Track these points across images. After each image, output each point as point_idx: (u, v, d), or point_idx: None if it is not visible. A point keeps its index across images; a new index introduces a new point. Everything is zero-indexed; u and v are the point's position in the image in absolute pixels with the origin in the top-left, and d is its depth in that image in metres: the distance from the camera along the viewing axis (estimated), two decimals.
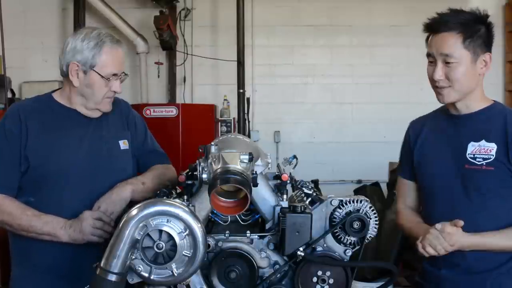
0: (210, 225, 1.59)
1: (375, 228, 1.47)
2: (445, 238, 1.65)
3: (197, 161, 1.41)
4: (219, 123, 5.00)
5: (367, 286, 3.65)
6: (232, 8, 5.26)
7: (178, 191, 1.67)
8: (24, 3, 5.49)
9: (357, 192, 4.62)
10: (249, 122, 5.40)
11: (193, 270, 1.33)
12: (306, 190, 1.59)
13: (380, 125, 5.62)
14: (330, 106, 5.73)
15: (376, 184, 4.76)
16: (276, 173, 1.68)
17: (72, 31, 1.99)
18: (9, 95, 4.60)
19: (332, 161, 5.61)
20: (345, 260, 1.48)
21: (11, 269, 1.92)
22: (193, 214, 1.32)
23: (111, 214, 1.76)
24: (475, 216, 1.72)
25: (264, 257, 1.49)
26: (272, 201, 1.53)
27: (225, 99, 5.22)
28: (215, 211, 1.53)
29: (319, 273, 1.45)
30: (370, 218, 1.45)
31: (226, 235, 1.49)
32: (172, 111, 4.60)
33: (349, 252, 1.48)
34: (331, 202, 1.48)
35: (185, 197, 1.50)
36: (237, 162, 1.37)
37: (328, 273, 1.45)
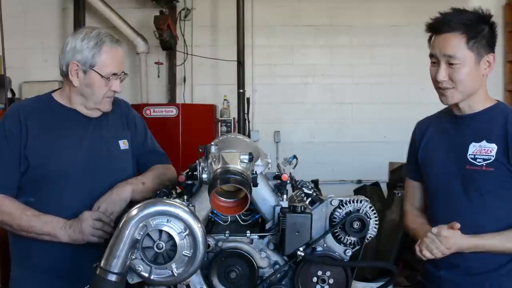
0: (210, 225, 1.59)
1: (375, 228, 1.47)
2: (442, 241, 1.64)
3: (197, 161, 1.41)
4: (219, 123, 5.00)
5: (367, 286, 3.65)
6: (232, 8, 5.26)
7: (178, 191, 1.67)
8: (24, 3, 5.49)
9: (357, 192, 4.62)
10: (249, 122, 5.40)
11: (193, 270, 1.33)
12: (306, 190, 1.59)
13: (380, 125, 5.63)
14: (330, 106, 5.73)
15: (376, 184, 4.76)
16: (276, 173, 1.68)
17: (72, 31, 1.99)
18: (9, 95, 4.60)
19: (332, 161, 5.61)
20: (345, 260, 1.48)
21: (11, 269, 1.92)
22: (193, 214, 1.32)
23: (111, 214, 1.76)
24: (476, 217, 1.72)
25: (264, 257, 1.49)
26: (272, 201, 1.53)
27: (225, 99, 5.22)
28: (215, 211, 1.53)
29: (319, 273, 1.45)
30: (370, 218, 1.45)
31: (226, 235, 1.49)
32: (172, 111, 4.60)
33: (349, 252, 1.48)
34: (331, 202, 1.48)
35: (185, 197, 1.50)
36: (237, 162, 1.37)
37: (328, 273, 1.45)
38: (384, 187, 4.67)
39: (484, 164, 1.70)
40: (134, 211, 1.29)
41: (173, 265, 1.30)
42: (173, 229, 1.29)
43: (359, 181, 5.43)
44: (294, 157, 1.94)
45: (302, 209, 1.43)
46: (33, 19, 5.52)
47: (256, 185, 1.38)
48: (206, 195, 1.35)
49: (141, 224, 1.28)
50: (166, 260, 1.30)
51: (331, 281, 1.45)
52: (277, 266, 1.49)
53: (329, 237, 1.48)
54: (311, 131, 5.74)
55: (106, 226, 1.74)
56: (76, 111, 1.89)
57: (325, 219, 1.48)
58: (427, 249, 1.67)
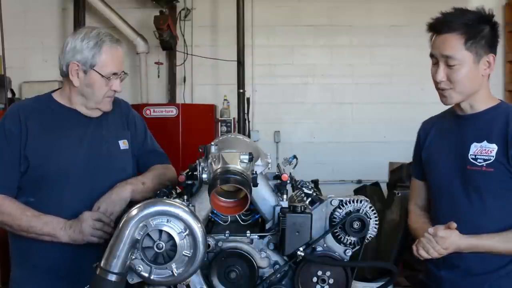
0: (210, 225, 1.59)
1: (375, 228, 1.47)
2: (438, 242, 1.64)
3: (197, 161, 1.41)
4: (219, 123, 5.00)
5: (367, 286, 3.65)
6: (232, 8, 5.26)
7: (178, 191, 1.67)
8: (24, 3, 5.49)
9: (357, 192, 4.62)
10: (249, 122, 5.40)
11: (193, 270, 1.33)
12: (306, 190, 1.59)
13: (380, 125, 5.63)
14: (330, 106, 5.73)
15: (376, 184, 4.75)
16: (276, 173, 1.68)
17: (72, 31, 1.99)
18: (9, 95, 4.60)
19: (332, 161, 5.61)
20: (345, 260, 1.48)
21: (11, 269, 1.91)
22: (193, 214, 1.32)
23: (111, 214, 1.76)
24: (476, 217, 1.72)
25: (264, 257, 1.49)
26: (272, 201, 1.53)
27: (225, 99, 5.22)
28: (215, 211, 1.53)
29: (319, 273, 1.45)
30: (370, 218, 1.45)
31: (226, 235, 1.49)
32: (172, 111, 4.59)
33: (349, 252, 1.48)
34: (331, 202, 1.48)
35: (185, 197, 1.50)
36: (237, 162, 1.37)
37: (328, 273, 1.45)
38: (384, 187, 4.67)
39: (485, 165, 1.69)
40: (134, 211, 1.29)
41: (173, 265, 1.30)
42: (173, 229, 1.29)
43: (359, 181, 5.43)
44: (294, 157, 1.94)
45: (302, 209, 1.43)
46: (33, 19, 5.52)
47: (256, 185, 1.38)
48: (206, 195, 1.35)
49: (141, 224, 1.28)
50: (166, 260, 1.30)
51: (331, 281, 1.45)
52: (277, 266, 1.49)
53: (329, 237, 1.48)
54: (311, 131, 5.74)
55: (106, 226, 1.74)
56: (76, 111, 1.89)
57: (325, 219, 1.48)
58: (423, 248, 1.67)
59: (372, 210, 1.47)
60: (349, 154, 5.59)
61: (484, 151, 1.70)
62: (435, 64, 1.74)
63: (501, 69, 5.48)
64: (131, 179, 1.88)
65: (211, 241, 1.47)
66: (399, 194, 3.87)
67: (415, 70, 5.35)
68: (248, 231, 1.50)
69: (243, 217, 1.60)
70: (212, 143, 1.46)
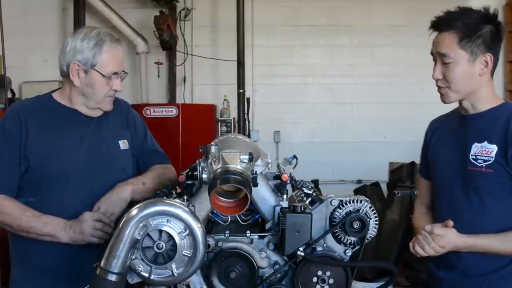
0: (210, 225, 1.59)
1: (375, 228, 1.47)
2: (434, 239, 1.65)
3: (197, 161, 1.41)
4: (219, 123, 5.00)
5: (367, 286, 3.65)
6: (232, 8, 5.27)
7: (178, 191, 1.67)
8: (24, 3, 5.49)
9: (357, 192, 4.62)
10: (249, 122, 5.40)
11: (193, 270, 1.33)
12: (306, 190, 1.59)
13: (380, 125, 5.63)
14: (330, 106, 5.73)
15: (376, 184, 4.76)
16: (276, 173, 1.68)
17: (72, 31, 1.99)
18: (9, 95, 4.60)
19: (332, 161, 5.61)
20: (345, 260, 1.48)
21: (11, 269, 1.91)
22: (193, 214, 1.32)
23: (111, 215, 1.76)
24: (475, 218, 1.71)
25: (264, 257, 1.49)
26: (272, 201, 1.53)
27: (225, 99, 5.22)
28: (215, 211, 1.53)
29: (319, 273, 1.45)
30: (370, 218, 1.45)
31: (226, 235, 1.49)
32: (172, 111, 4.59)
33: (349, 252, 1.48)
34: (331, 202, 1.48)
35: (185, 197, 1.50)
36: (237, 162, 1.37)
37: (328, 273, 1.45)
38: (384, 187, 4.67)
39: (484, 165, 1.68)
40: (134, 211, 1.29)
41: (173, 265, 1.30)
42: (173, 229, 1.29)
43: (359, 181, 5.43)
44: (294, 157, 1.94)
45: (302, 209, 1.43)
46: (33, 19, 5.52)
47: (256, 185, 1.38)
48: (206, 195, 1.35)
49: (141, 224, 1.28)
50: (166, 260, 1.30)
51: (331, 281, 1.45)
52: (277, 266, 1.49)
53: (329, 237, 1.48)
54: (311, 131, 5.74)
55: (106, 226, 1.73)
56: (76, 111, 1.89)
57: (325, 219, 1.48)
58: (419, 245, 1.67)
59: (372, 210, 1.47)
60: (349, 154, 5.59)
61: (484, 151, 1.69)
62: (435, 62, 1.75)
63: (501, 69, 5.48)
64: (131, 179, 1.88)
65: (211, 241, 1.47)
66: (399, 194, 3.88)
67: (415, 70, 5.35)
68: (248, 231, 1.50)
69: (243, 217, 1.60)
70: (212, 143, 1.46)
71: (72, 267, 1.79)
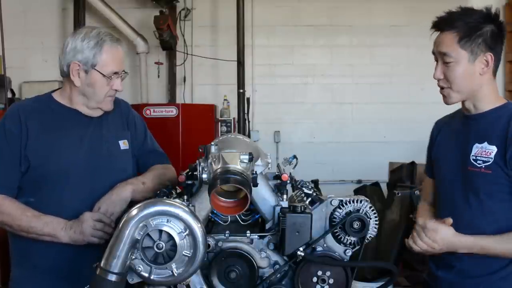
0: (210, 225, 1.59)
1: (375, 228, 1.47)
2: (427, 234, 1.65)
3: (197, 161, 1.41)
4: (219, 123, 5.00)
5: (367, 286, 3.65)
6: (232, 8, 5.26)
7: (178, 191, 1.67)
8: (24, 3, 5.49)
9: (357, 192, 4.62)
10: (249, 122, 5.40)
11: (193, 270, 1.33)
12: (306, 190, 1.59)
13: (380, 125, 5.63)
14: (330, 106, 5.73)
15: (376, 184, 4.75)
16: (276, 173, 1.68)
17: (72, 31, 1.99)
18: (9, 95, 4.60)
19: (332, 161, 5.61)
20: (345, 260, 1.48)
21: (11, 269, 1.91)
22: (193, 214, 1.32)
23: (112, 215, 1.76)
24: (474, 219, 1.70)
25: (264, 257, 1.49)
26: (272, 201, 1.53)
27: (225, 99, 5.22)
28: (215, 211, 1.53)
29: (319, 273, 1.45)
30: (370, 218, 1.45)
31: (226, 235, 1.49)
32: (172, 111, 4.59)
33: (349, 252, 1.48)
34: (331, 202, 1.48)
35: (185, 197, 1.50)
36: (237, 162, 1.37)
37: (328, 273, 1.45)
38: (384, 187, 4.67)
39: (483, 166, 1.68)
40: (134, 211, 1.29)
41: (173, 265, 1.30)
42: (173, 229, 1.29)
43: (359, 181, 5.43)
44: (294, 157, 1.94)
45: (302, 209, 1.43)
46: (33, 19, 5.52)
47: (256, 185, 1.38)
48: (206, 195, 1.35)
49: (141, 224, 1.28)
50: (166, 260, 1.30)
51: (331, 281, 1.45)
52: (277, 266, 1.49)
53: (329, 237, 1.48)
54: (311, 131, 5.74)
55: (106, 227, 1.74)
56: (77, 111, 1.89)
57: (325, 219, 1.48)
58: (412, 239, 1.67)
59: (372, 210, 1.47)
60: (349, 154, 5.59)
61: (484, 152, 1.69)
62: (437, 62, 1.75)
63: (501, 69, 5.47)
64: (131, 179, 1.88)
65: (211, 241, 1.47)
66: (399, 194, 3.88)
67: (415, 70, 5.36)
68: (248, 231, 1.50)
69: (243, 217, 1.60)
70: (212, 143, 1.46)
71: (72, 267, 1.79)
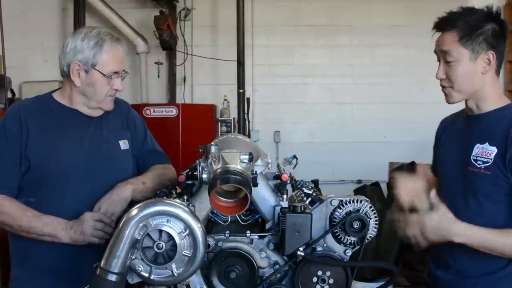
0: (210, 225, 1.59)
1: (375, 228, 1.47)
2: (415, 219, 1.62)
3: (197, 161, 1.41)
4: (219, 123, 5.00)
5: (367, 286, 3.66)
6: (232, 8, 5.26)
7: (178, 191, 1.67)
8: (24, 3, 5.49)
9: (357, 192, 4.62)
10: (249, 122, 5.40)
11: (193, 270, 1.33)
12: (306, 190, 1.59)
13: (380, 125, 5.63)
14: (330, 106, 5.73)
15: (376, 184, 4.76)
16: (276, 173, 1.68)
17: (72, 31, 1.99)
18: (9, 95, 4.60)
19: (332, 161, 5.61)
20: (345, 260, 1.48)
21: (11, 269, 1.91)
22: (193, 214, 1.32)
23: (112, 215, 1.76)
24: (472, 219, 1.68)
25: (264, 257, 1.49)
26: (272, 201, 1.53)
27: (225, 99, 5.22)
28: (215, 211, 1.53)
29: (319, 273, 1.45)
30: (370, 218, 1.45)
31: (226, 235, 1.49)
32: (172, 111, 4.59)
33: (349, 252, 1.48)
34: (331, 202, 1.48)
35: (185, 197, 1.50)
36: (237, 162, 1.37)
37: (328, 273, 1.45)
38: (384, 187, 4.67)
39: (483, 167, 1.67)
40: (134, 211, 1.29)
41: (173, 265, 1.30)
42: (173, 229, 1.29)
43: (359, 181, 5.43)
44: (294, 157, 1.94)
45: (302, 209, 1.43)
46: (33, 19, 5.52)
47: (256, 185, 1.38)
48: (206, 195, 1.35)
49: (141, 224, 1.28)
50: (166, 260, 1.30)
51: (331, 281, 1.45)
52: (277, 266, 1.49)
53: (329, 237, 1.48)
54: (311, 131, 5.74)
55: (107, 227, 1.74)
56: (77, 111, 1.89)
57: (325, 219, 1.48)
58: (403, 223, 1.64)
59: (372, 210, 1.47)
60: (349, 154, 5.59)
61: (484, 153, 1.68)
62: (439, 62, 1.74)
63: (501, 69, 5.48)
64: (131, 179, 1.88)
65: (211, 241, 1.47)
66: None
67: (415, 70, 5.36)
68: (248, 231, 1.50)
69: (243, 217, 1.60)
70: (212, 143, 1.46)
71: (73, 267, 1.79)
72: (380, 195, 4.60)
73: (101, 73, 1.82)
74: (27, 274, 1.86)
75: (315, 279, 1.45)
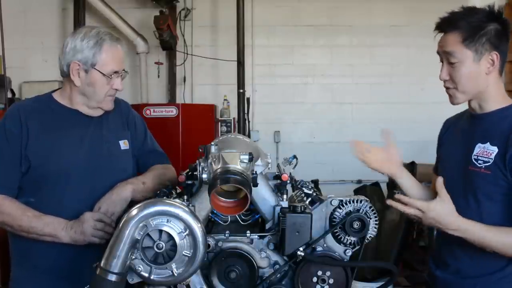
0: (210, 225, 1.59)
1: (375, 228, 1.47)
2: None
3: (197, 161, 1.41)
4: (219, 123, 5.00)
5: (367, 286, 3.66)
6: (232, 8, 5.27)
7: (178, 191, 1.67)
8: (24, 3, 5.49)
9: (357, 192, 4.63)
10: (249, 122, 5.40)
11: (193, 270, 1.33)
12: (306, 190, 1.59)
13: (380, 125, 5.59)
14: (330, 106, 5.73)
15: (376, 184, 4.76)
16: (276, 173, 1.68)
17: (72, 31, 1.99)
18: (9, 95, 4.60)
19: (332, 161, 5.61)
20: (345, 260, 1.48)
21: (11, 269, 1.91)
22: (193, 214, 1.32)
23: (112, 214, 1.76)
24: (473, 219, 1.69)
25: (264, 257, 1.49)
26: (272, 201, 1.53)
27: (225, 99, 5.23)
28: (215, 211, 1.53)
29: (319, 273, 1.45)
30: (370, 218, 1.45)
31: (226, 235, 1.49)
32: (172, 111, 4.60)
33: (349, 252, 1.48)
34: (331, 202, 1.48)
35: (185, 197, 1.50)
36: (237, 162, 1.37)
37: (328, 273, 1.45)
38: (384, 187, 4.67)
39: (483, 167, 1.66)
40: (134, 211, 1.29)
41: (173, 265, 1.30)
42: (173, 229, 1.29)
43: (359, 181, 5.43)
44: (294, 157, 1.94)
45: (302, 209, 1.43)
46: (33, 19, 5.52)
47: (256, 185, 1.38)
48: (206, 195, 1.35)
49: (141, 224, 1.28)
50: (166, 260, 1.30)
51: (331, 281, 1.45)
52: (277, 266, 1.49)
53: (329, 237, 1.48)
54: (311, 131, 5.74)
55: (107, 226, 1.74)
56: (77, 111, 1.89)
57: (325, 219, 1.48)
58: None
59: (372, 210, 1.47)
60: (349, 154, 5.54)
61: (485, 152, 1.68)
62: (442, 63, 1.73)
63: None
64: (131, 178, 1.88)
65: (211, 241, 1.47)
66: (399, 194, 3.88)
67: (415, 70, 5.36)
68: (248, 231, 1.50)
69: (243, 217, 1.60)
70: (212, 143, 1.46)
71: (73, 267, 1.79)
72: (380, 195, 4.60)
73: (100, 72, 1.82)
74: (27, 274, 1.86)
75: (315, 279, 1.45)
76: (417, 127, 5.30)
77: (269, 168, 1.57)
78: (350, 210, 1.46)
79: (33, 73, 5.32)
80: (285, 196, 1.51)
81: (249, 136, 5.35)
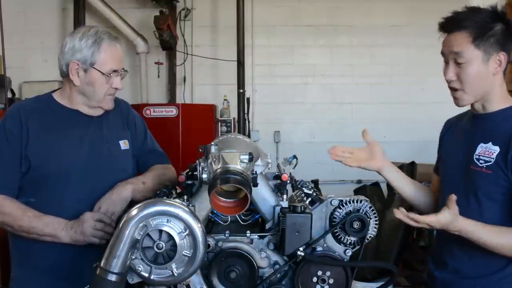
0: (210, 225, 1.59)
1: (375, 228, 1.47)
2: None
3: (197, 161, 1.41)
4: (219, 123, 5.00)
5: (367, 286, 3.65)
6: (232, 8, 5.27)
7: (178, 191, 1.67)
8: (24, 3, 5.50)
9: (357, 192, 4.62)
10: (249, 122, 5.40)
11: (193, 270, 1.33)
12: (306, 190, 1.59)
13: (380, 125, 5.63)
14: (330, 106, 5.73)
15: (376, 184, 4.76)
16: (276, 173, 1.68)
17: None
18: (9, 95, 4.61)
19: (332, 161, 5.53)
20: (345, 260, 1.48)
21: (11, 269, 1.91)
22: (193, 214, 1.32)
23: (112, 214, 1.76)
24: (474, 219, 1.69)
25: (264, 257, 1.49)
26: (272, 201, 1.53)
27: (225, 99, 5.23)
28: (215, 211, 1.53)
29: (319, 273, 1.45)
30: (370, 218, 1.45)
31: (226, 235, 1.49)
32: (172, 111, 4.60)
33: (349, 252, 1.48)
34: (331, 202, 1.48)
35: (185, 197, 1.50)
36: (237, 162, 1.37)
37: (328, 273, 1.45)
38: (384, 187, 4.67)
39: (485, 166, 1.66)
40: (134, 211, 1.29)
41: (173, 265, 1.30)
42: (173, 229, 1.29)
43: (359, 181, 5.43)
44: (294, 157, 1.94)
45: (302, 209, 1.43)
46: (33, 19, 5.52)
47: (256, 185, 1.38)
48: (206, 195, 1.35)
49: (141, 224, 1.28)
50: (166, 260, 1.30)
51: (331, 281, 1.45)
52: (277, 266, 1.49)
53: (329, 237, 1.48)
54: (311, 131, 5.74)
55: (107, 226, 1.73)
56: (77, 111, 1.89)
57: (325, 219, 1.48)
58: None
59: (372, 210, 1.47)
60: None
61: (487, 152, 1.67)
62: (447, 63, 1.72)
63: None
64: (131, 178, 1.88)
65: (211, 241, 1.47)
66: (399, 195, 3.87)
67: (415, 70, 5.36)
68: (248, 231, 1.50)
69: (243, 217, 1.60)
70: (212, 143, 1.46)
71: (73, 267, 1.79)
72: (380, 195, 4.60)
73: (100, 71, 1.82)
74: (27, 274, 1.86)
75: (315, 279, 1.45)
76: (417, 127, 5.30)
77: (269, 168, 1.57)
78: (350, 210, 1.46)
79: (33, 73, 5.33)
80: (285, 196, 1.51)
81: (249, 136, 5.35)
